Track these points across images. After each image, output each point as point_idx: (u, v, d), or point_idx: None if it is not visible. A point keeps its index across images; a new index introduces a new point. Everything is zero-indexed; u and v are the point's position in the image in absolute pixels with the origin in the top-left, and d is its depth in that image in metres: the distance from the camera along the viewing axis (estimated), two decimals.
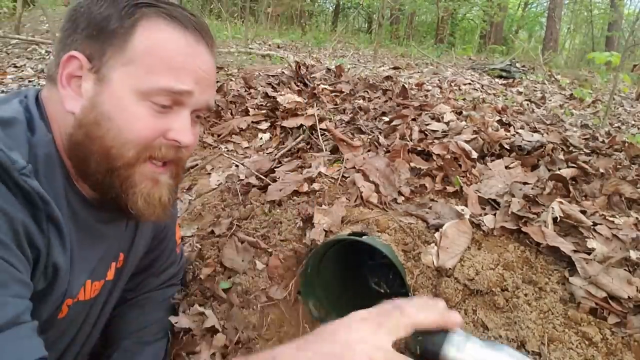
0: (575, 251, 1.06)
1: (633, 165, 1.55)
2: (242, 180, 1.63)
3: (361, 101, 2.32)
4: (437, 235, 1.15)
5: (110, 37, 0.67)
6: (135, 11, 0.68)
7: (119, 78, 0.67)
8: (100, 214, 0.78)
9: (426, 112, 2.01)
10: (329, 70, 3.08)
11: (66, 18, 0.71)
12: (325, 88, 2.52)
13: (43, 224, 0.63)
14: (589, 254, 1.05)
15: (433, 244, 1.15)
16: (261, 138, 2.12)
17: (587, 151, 1.67)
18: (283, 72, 3.00)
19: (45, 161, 0.67)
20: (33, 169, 0.63)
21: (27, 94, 0.73)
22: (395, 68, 5.11)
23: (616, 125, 2.95)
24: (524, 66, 5.83)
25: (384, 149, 1.64)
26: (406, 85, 2.61)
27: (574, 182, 1.38)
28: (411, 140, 1.69)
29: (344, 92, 2.52)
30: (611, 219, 1.16)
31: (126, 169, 0.70)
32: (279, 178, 1.51)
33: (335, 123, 1.97)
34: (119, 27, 0.67)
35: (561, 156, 1.53)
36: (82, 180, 0.73)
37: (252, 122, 2.22)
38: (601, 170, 1.40)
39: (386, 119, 1.99)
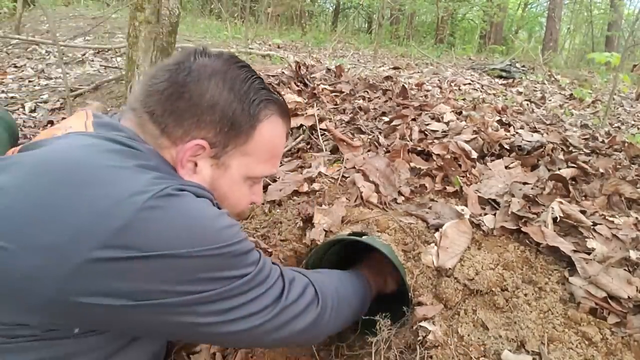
0: (575, 251, 1.06)
1: (633, 165, 1.55)
2: None
3: (361, 101, 2.32)
4: (437, 235, 1.15)
5: (237, 134, 0.77)
6: (261, 111, 0.78)
7: (237, 166, 0.80)
8: None
9: (426, 112, 2.01)
10: (329, 70, 3.08)
11: (173, 92, 0.73)
12: (325, 88, 2.52)
13: None
14: (588, 254, 1.05)
15: (433, 244, 1.15)
16: None
17: (587, 151, 1.67)
18: (283, 72, 3.00)
19: None
20: None
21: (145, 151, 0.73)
22: (395, 68, 5.11)
23: (616, 125, 2.95)
24: (523, 66, 5.83)
25: (384, 149, 1.64)
26: (406, 85, 2.61)
27: (573, 182, 1.38)
28: (411, 140, 1.69)
29: (344, 92, 2.52)
30: (611, 219, 1.16)
31: None
32: (279, 178, 1.52)
33: (335, 123, 1.97)
34: (247, 127, 0.77)
35: (561, 156, 1.53)
36: None
37: None
38: (601, 170, 1.41)
39: (386, 119, 1.99)
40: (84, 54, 4.85)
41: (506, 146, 1.64)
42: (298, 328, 0.76)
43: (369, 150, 1.64)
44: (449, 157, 1.49)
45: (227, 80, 0.75)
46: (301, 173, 1.53)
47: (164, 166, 0.73)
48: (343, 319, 0.92)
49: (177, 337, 0.76)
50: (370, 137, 1.77)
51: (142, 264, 0.59)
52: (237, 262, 0.68)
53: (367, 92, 2.55)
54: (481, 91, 3.68)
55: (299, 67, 2.83)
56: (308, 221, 1.29)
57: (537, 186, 1.35)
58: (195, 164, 0.76)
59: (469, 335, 0.97)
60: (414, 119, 1.92)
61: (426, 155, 1.56)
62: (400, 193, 1.37)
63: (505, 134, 1.73)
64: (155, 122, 0.74)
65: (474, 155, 1.54)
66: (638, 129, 2.87)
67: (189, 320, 0.64)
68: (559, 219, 1.15)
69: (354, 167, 1.48)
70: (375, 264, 1.16)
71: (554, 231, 1.13)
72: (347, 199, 1.35)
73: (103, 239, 0.56)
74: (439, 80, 4.01)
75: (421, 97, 2.58)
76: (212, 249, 0.64)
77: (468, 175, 1.45)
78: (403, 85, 2.61)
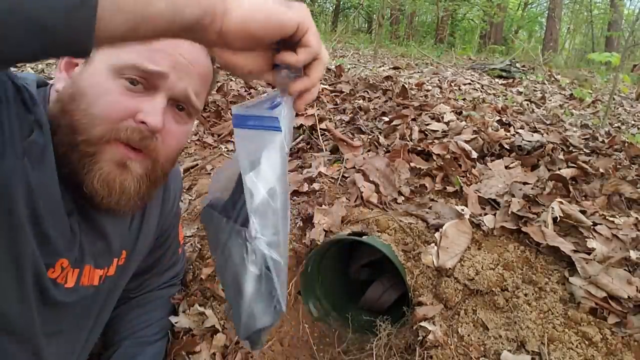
0: (575, 251, 1.06)
1: (633, 165, 1.55)
2: None
3: (361, 101, 2.32)
4: (437, 235, 1.15)
5: None
6: None
7: (99, 56, 0.69)
8: (98, 204, 0.75)
9: (426, 112, 2.01)
10: (329, 70, 3.08)
11: None
12: (325, 88, 2.52)
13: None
14: (588, 254, 1.05)
15: (433, 244, 1.15)
16: None
17: (587, 151, 1.67)
18: None
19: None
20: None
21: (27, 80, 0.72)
22: (395, 68, 5.11)
23: (616, 125, 2.95)
24: (523, 66, 5.82)
25: (384, 149, 1.64)
26: (406, 85, 2.61)
27: (573, 182, 1.38)
28: (411, 140, 1.69)
29: (344, 92, 2.52)
30: (611, 218, 1.16)
31: (88, 145, 0.67)
32: None
33: (335, 123, 1.97)
34: None
35: (561, 156, 1.53)
36: None
37: None
38: (601, 170, 1.41)
39: (386, 119, 1.99)
40: None
41: (506, 146, 1.64)
42: None
43: (369, 150, 1.64)
44: (449, 157, 1.49)
45: None
46: (301, 173, 1.53)
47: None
48: None
49: None
50: (370, 137, 1.77)
51: None
52: None
53: (367, 92, 2.55)
54: (481, 91, 3.68)
55: None
56: (308, 221, 1.29)
57: (537, 186, 1.35)
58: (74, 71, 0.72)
59: (469, 335, 0.97)
60: (414, 119, 1.92)
61: (426, 155, 1.56)
62: (400, 193, 1.37)
63: (505, 134, 1.73)
64: None
65: (474, 155, 1.54)
66: (638, 129, 2.87)
67: None
68: (559, 219, 1.15)
69: (354, 167, 1.48)
70: None
71: (554, 231, 1.13)
72: (347, 199, 1.35)
73: None
74: (439, 80, 4.01)
75: (421, 97, 2.58)
76: None
77: (468, 175, 1.45)
78: (403, 85, 2.61)
